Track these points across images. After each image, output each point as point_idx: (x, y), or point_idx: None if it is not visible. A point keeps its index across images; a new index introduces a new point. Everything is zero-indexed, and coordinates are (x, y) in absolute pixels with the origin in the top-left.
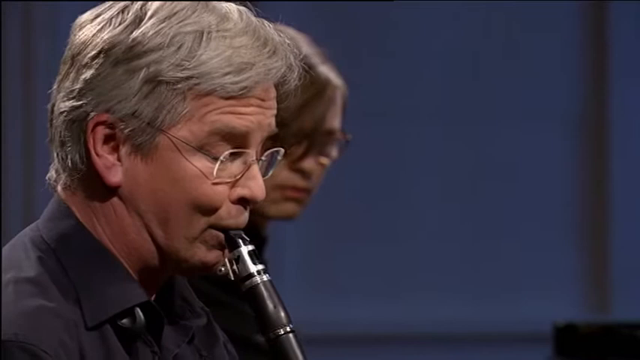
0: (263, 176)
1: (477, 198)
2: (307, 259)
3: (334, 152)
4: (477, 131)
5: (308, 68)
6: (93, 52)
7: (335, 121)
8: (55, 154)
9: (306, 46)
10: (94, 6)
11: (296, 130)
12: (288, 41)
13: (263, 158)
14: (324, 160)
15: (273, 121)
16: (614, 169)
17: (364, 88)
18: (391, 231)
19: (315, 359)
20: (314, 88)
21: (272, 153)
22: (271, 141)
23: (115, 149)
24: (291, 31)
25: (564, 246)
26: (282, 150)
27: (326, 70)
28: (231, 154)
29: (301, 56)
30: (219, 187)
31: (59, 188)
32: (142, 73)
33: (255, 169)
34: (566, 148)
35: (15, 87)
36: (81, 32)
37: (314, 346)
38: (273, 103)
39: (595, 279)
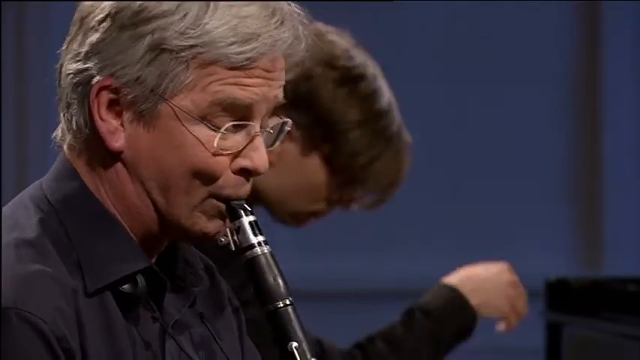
0: (270, 147)
1: (468, 156)
2: None
3: None
4: (468, 91)
5: (381, 129)
6: (100, 16)
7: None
8: (62, 115)
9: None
10: None
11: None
12: (297, 10)
13: (269, 129)
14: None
15: (280, 92)
16: (605, 125)
17: (364, 43)
18: None
19: (306, 314)
20: (391, 146)
21: (280, 124)
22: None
23: (119, 114)
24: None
25: (556, 202)
26: (289, 121)
27: (399, 123)
28: (234, 125)
29: (311, 26)
30: (220, 158)
31: (65, 148)
32: (147, 40)
33: (259, 141)
34: (557, 106)
35: (9, 84)
36: None
37: (306, 301)
38: (280, 75)
39: (586, 234)
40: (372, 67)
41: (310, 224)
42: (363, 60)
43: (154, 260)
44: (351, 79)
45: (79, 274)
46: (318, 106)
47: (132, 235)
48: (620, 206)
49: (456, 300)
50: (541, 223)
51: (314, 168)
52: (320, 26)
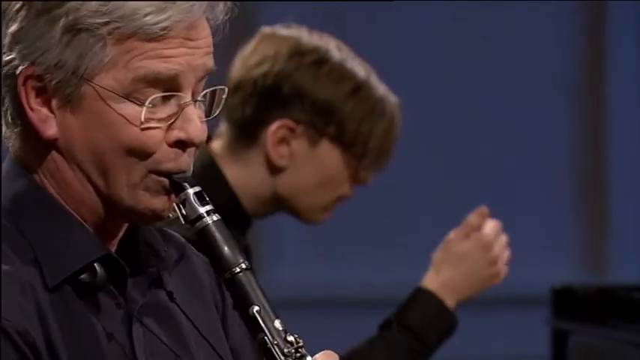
0: (207, 116)
1: (472, 162)
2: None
3: None
4: (473, 95)
5: (367, 91)
6: (17, 5)
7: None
8: (2, 112)
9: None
10: None
11: (376, 150)
12: None
13: (200, 98)
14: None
15: (208, 60)
16: (611, 131)
17: (365, 44)
18: (384, 195)
19: (312, 322)
20: (384, 113)
21: (213, 92)
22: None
23: (47, 102)
24: (331, 41)
25: (562, 208)
26: (225, 88)
27: (382, 90)
28: (162, 97)
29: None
30: (151, 132)
31: (10, 147)
32: (62, 22)
33: (191, 111)
34: (562, 111)
35: None
36: None
37: (312, 309)
38: (205, 42)
39: (592, 241)
40: (330, 42)
41: (319, 233)
42: (319, 39)
43: (114, 247)
44: (324, 58)
45: (38, 270)
46: (309, 96)
47: (85, 224)
48: (626, 213)
49: (435, 307)
50: (547, 230)
51: (327, 154)
52: (265, 29)
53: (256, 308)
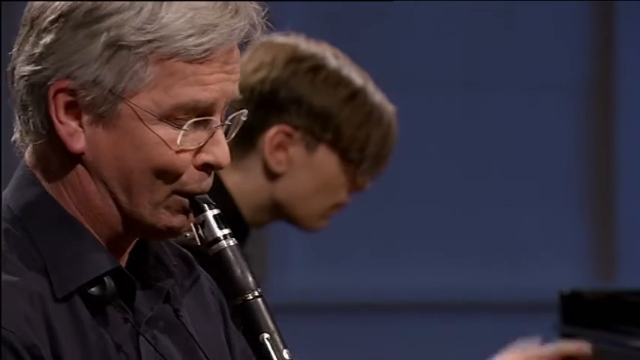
0: (226, 139)
1: (482, 166)
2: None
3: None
4: (482, 99)
5: (364, 98)
6: (52, 16)
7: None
8: (18, 117)
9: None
10: None
11: (373, 155)
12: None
13: (227, 122)
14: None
15: (236, 87)
16: (619, 137)
17: (369, 58)
18: (394, 200)
19: (319, 328)
20: (379, 117)
21: (237, 116)
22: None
23: (78, 116)
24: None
25: (570, 214)
26: (245, 111)
27: (380, 97)
28: (195, 122)
29: (264, 12)
30: (183, 155)
31: (26, 154)
32: (103, 38)
33: (220, 135)
34: (571, 116)
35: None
36: None
37: (319, 314)
38: (237, 67)
39: (600, 246)
40: (327, 49)
41: (326, 238)
42: (316, 46)
43: (124, 260)
44: (321, 64)
45: (47, 280)
46: (306, 102)
47: (97, 236)
48: (634, 218)
49: None
50: (555, 236)
51: (324, 160)
52: (263, 38)
53: (266, 335)
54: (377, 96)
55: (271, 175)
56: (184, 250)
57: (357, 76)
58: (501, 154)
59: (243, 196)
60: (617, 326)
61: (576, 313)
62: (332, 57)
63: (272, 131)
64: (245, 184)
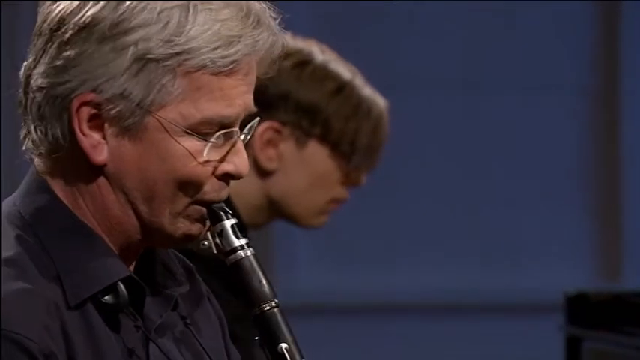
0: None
1: (486, 165)
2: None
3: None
4: (487, 100)
5: (352, 90)
6: (75, 29)
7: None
8: (33, 127)
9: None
10: None
11: (364, 149)
12: (265, 7)
13: (245, 132)
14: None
15: (251, 97)
16: (623, 137)
17: (370, 59)
18: (398, 201)
19: (327, 329)
20: (368, 111)
21: (253, 124)
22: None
23: (101, 128)
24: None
25: (574, 214)
26: (258, 118)
27: (368, 90)
28: (221, 134)
29: (278, 20)
30: (206, 166)
31: (37, 161)
32: (130, 51)
33: (240, 145)
34: (576, 116)
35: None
36: (57, 6)
37: (324, 315)
38: (254, 78)
39: (605, 247)
40: (314, 45)
41: (331, 239)
42: (302, 42)
43: (132, 267)
44: (307, 59)
45: (60, 287)
46: (293, 97)
47: (109, 244)
48: (638, 218)
49: None
50: (560, 236)
51: (315, 154)
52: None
53: (284, 345)
54: (365, 89)
55: (263, 173)
56: (186, 259)
57: (344, 70)
58: (503, 155)
59: (238, 198)
60: (623, 327)
61: (581, 314)
62: (318, 52)
63: (261, 128)
64: (238, 184)
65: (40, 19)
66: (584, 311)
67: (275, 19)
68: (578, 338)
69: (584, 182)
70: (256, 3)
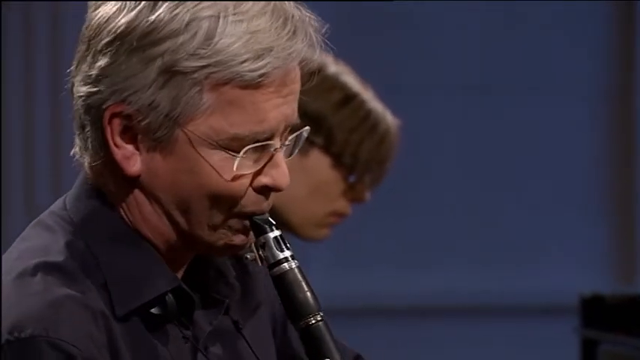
0: (289, 157)
1: (501, 169)
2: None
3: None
4: (504, 103)
5: (359, 103)
6: (107, 39)
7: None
8: (77, 134)
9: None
10: None
11: (364, 163)
12: (308, 15)
13: (287, 143)
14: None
15: (295, 108)
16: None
17: (383, 60)
18: (415, 203)
19: (341, 332)
20: (375, 126)
21: (299, 134)
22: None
23: (134, 139)
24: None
25: (590, 217)
26: (307, 128)
27: (378, 105)
28: (253, 148)
29: (323, 30)
30: (240, 180)
31: (86, 165)
32: (158, 63)
33: (279, 158)
34: (591, 118)
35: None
36: (97, 12)
37: (341, 318)
38: (296, 87)
39: (621, 249)
40: (327, 57)
41: (346, 244)
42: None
43: (181, 273)
44: (318, 68)
45: (107, 296)
46: (300, 105)
47: (157, 252)
48: None
49: None
50: (576, 239)
51: (317, 163)
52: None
53: None
54: (375, 104)
55: None
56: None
57: (354, 83)
58: (522, 158)
59: None
60: (638, 330)
61: (597, 316)
62: (331, 63)
63: None
64: None
65: (85, 23)
66: (599, 314)
67: (317, 29)
68: (594, 341)
69: (601, 185)
70: (298, 11)
